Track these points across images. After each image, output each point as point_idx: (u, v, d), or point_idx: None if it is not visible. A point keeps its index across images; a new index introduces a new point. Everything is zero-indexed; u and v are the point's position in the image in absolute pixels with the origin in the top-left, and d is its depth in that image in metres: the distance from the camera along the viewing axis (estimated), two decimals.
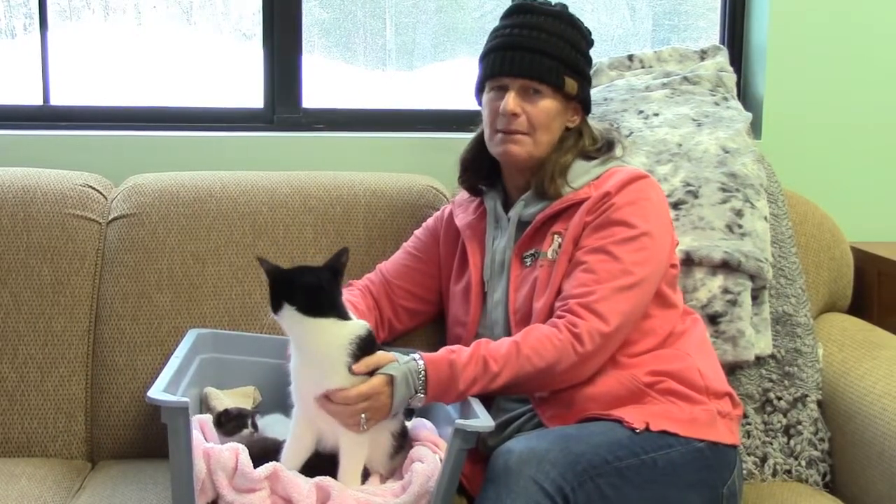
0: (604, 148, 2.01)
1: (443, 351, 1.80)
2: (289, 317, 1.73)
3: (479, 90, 2.03)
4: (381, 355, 1.76)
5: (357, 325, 1.77)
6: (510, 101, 1.93)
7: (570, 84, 1.95)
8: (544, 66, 1.93)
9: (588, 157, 1.99)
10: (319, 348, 1.73)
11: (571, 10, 2.01)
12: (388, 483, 1.76)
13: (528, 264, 1.96)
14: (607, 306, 1.80)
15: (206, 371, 2.03)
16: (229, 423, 1.88)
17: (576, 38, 1.98)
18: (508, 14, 2.00)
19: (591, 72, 2.56)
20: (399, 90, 2.90)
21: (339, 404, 1.71)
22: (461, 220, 2.09)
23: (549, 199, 1.95)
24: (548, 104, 1.94)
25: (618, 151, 2.01)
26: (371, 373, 1.73)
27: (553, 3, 2.01)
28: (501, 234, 2.02)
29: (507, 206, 2.04)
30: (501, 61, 1.95)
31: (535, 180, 1.96)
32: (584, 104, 2.00)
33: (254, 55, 2.73)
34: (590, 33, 2.03)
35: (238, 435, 1.87)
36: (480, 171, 2.07)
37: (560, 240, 1.92)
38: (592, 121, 2.07)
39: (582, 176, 1.95)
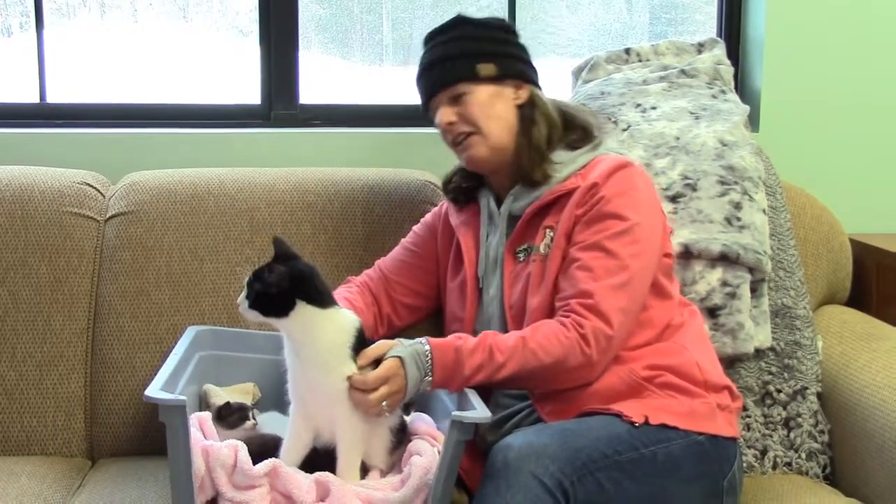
0: (580, 135, 2.01)
1: (450, 337, 1.80)
2: (301, 315, 1.72)
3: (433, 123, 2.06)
4: (381, 343, 1.77)
5: (352, 315, 1.79)
6: (440, 115, 1.97)
7: (486, 68, 1.96)
8: (450, 68, 1.96)
9: (572, 147, 1.99)
10: (328, 339, 1.73)
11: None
12: (387, 477, 1.76)
13: (521, 259, 1.96)
14: (608, 305, 1.80)
15: (206, 368, 2.02)
16: (231, 416, 1.88)
17: (479, 31, 2.00)
18: (422, 48, 2.04)
19: (589, 64, 2.57)
20: (396, 85, 2.90)
21: (358, 392, 1.71)
22: (455, 217, 2.09)
23: (538, 185, 1.95)
24: (476, 97, 1.95)
25: (599, 137, 2.01)
26: (376, 364, 1.73)
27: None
28: (494, 229, 2.02)
29: (500, 204, 2.04)
30: (423, 88, 2.01)
31: (521, 172, 1.97)
32: (523, 78, 2.00)
33: (250, 52, 2.73)
34: (500, 20, 2.05)
35: (240, 428, 1.86)
36: (460, 188, 2.09)
37: (552, 234, 1.92)
38: (575, 104, 2.07)
39: (568, 165, 1.96)
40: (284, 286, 1.71)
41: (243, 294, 1.75)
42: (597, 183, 1.88)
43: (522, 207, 1.97)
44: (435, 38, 2.00)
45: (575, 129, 2.02)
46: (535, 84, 2.03)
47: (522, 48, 2.04)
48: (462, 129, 1.96)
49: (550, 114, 1.99)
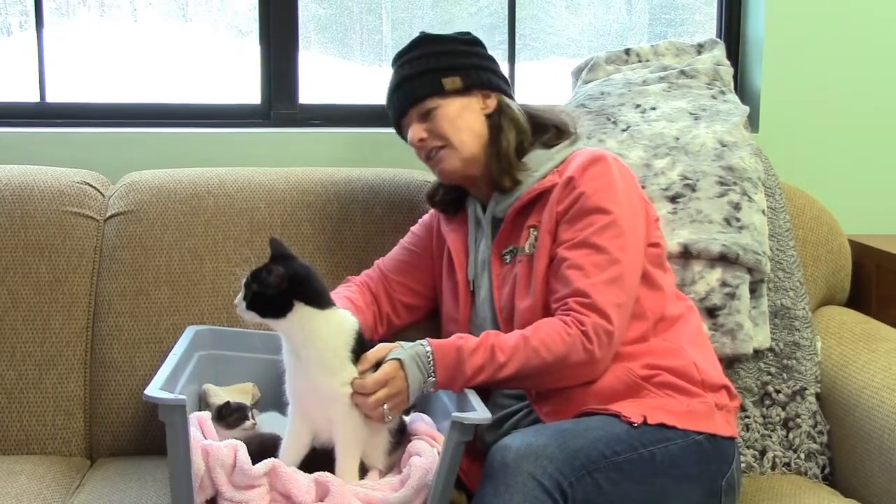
0: (553, 133, 2.02)
1: (451, 338, 1.80)
2: (299, 316, 1.72)
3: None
4: (381, 347, 1.77)
5: (350, 316, 1.79)
6: (411, 133, 2.00)
7: (451, 82, 1.98)
8: (416, 86, 1.99)
9: (548, 145, 2.00)
10: (327, 341, 1.73)
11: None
12: (386, 477, 1.76)
13: (507, 261, 1.97)
14: (604, 300, 1.81)
15: (205, 368, 2.02)
16: (231, 416, 1.88)
17: (442, 46, 2.02)
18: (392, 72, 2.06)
19: (589, 64, 2.58)
20: None
21: (358, 395, 1.72)
22: (445, 223, 2.12)
23: (509, 191, 1.96)
24: (444, 111, 1.97)
25: (574, 132, 2.02)
26: (377, 368, 1.74)
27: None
28: (482, 234, 2.04)
29: (486, 209, 2.05)
30: (391, 109, 2.05)
31: (493, 180, 1.98)
32: (489, 87, 2.02)
33: (250, 51, 2.73)
34: (466, 34, 2.06)
35: (240, 427, 1.86)
36: (448, 200, 2.11)
37: (535, 233, 1.92)
38: (582, 112, 2.06)
39: (546, 163, 1.97)
40: (283, 287, 1.71)
41: (240, 295, 1.74)
42: (573, 177, 1.89)
43: (504, 209, 1.98)
44: (400, 59, 2.03)
45: (547, 129, 2.03)
46: (504, 92, 2.04)
47: (489, 58, 2.06)
48: (433, 143, 1.98)
49: (518, 119, 2.01)
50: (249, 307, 1.73)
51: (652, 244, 1.96)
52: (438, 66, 1.99)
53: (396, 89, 2.02)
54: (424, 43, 2.03)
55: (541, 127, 2.03)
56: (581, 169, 1.90)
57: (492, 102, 2.01)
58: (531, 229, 1.94)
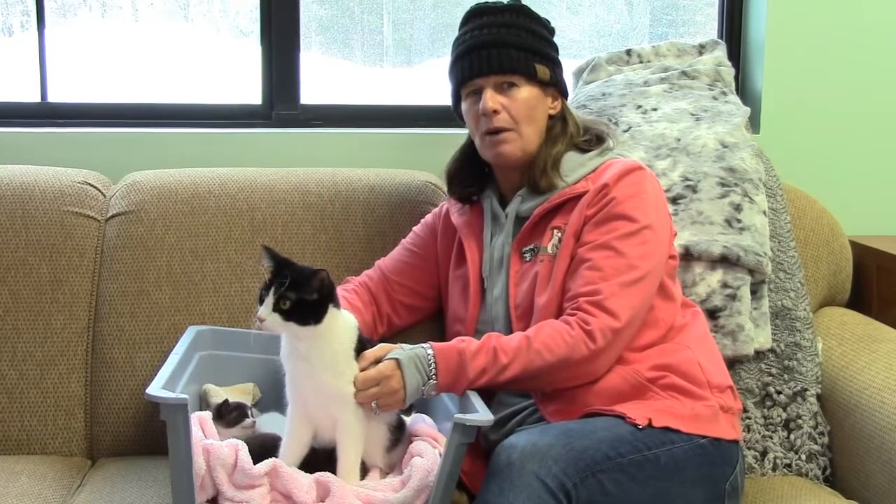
0: (593, 139, 2.01)
1: (453, 341, 1.80)
2: (328, 319, 1.72)
3: (457, 103, 2.03)
4: (381, 346, 1.78)
5: (350, 315, 1.80)
6: (487, 99, 1.93)
7: (542, 70, 1.95)
8: (512, 57, 1.93)
9: (582, 149, 1.99)
10: (339, 341, 1.74)
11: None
12: (387, 478, 1.76)
13: (527, 259, 1.96)
14: (616, 303, 1.80)
15: (206, 368, 2.02)
16: (230, 414, 1.87)
17: (536, 27, 1.99)
18: (466, 20, 2.01)
19: (590, 65, 2.58)
20: (397, 86, 2.90)
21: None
22: (457, 217, 2.09)
23: (543, 192, 1.95)
24: (525, 94, 1.94)
25: (610, 143, 2.01)
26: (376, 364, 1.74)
27: (506, 1, 2.01)
28: (499, 230, 2.02)
29: (504, 204, 2.04)
30: (470, 64, 1.96)
31: (528, 176, 1.96)
32: (560, 89, 2.01)
33: (251, 52, 2.73)
34: (549, 22, 2.04)
35: (239, 426, 1.86)
36: (469, 180, 2.08)
37: (560, 234, 1.92)
38: (583, 113, 2.06)
39: (578, 169, 1.96)
40: (327, 291, 1.70)
41: (267, 307, 1.69)
42: (607, 184, 1.89)
43: (531, 209, 1.97)
44: (489, 17, 1.97)
45: (587, 135, 2.02)
46: (567, 98, 2.03)
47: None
48: (504, 121, 1.93)
49: (575, 131, 2.00)
50: (288, 318, 1.69)
51: (670, 256, 1.97)
52: (535, 48, 1.96)
53: (484, 48, 1.94)
54: (522, 13, 1.98)
55: (583, 133, 2.02)
56: (616, 177, 1.89)
57: (558, 105, 2.00)
58: (555, 230, 1.93)
